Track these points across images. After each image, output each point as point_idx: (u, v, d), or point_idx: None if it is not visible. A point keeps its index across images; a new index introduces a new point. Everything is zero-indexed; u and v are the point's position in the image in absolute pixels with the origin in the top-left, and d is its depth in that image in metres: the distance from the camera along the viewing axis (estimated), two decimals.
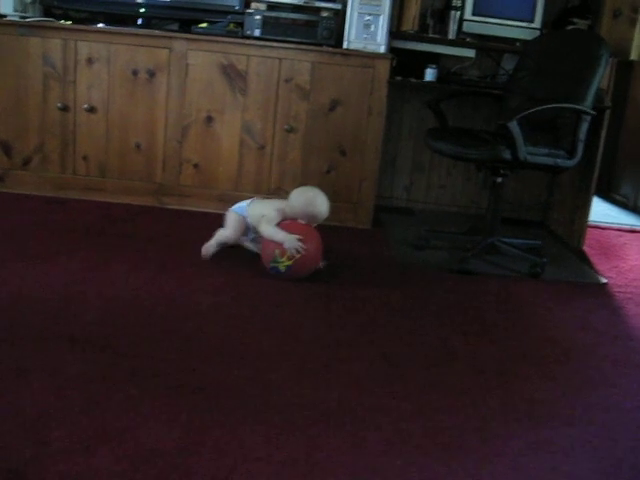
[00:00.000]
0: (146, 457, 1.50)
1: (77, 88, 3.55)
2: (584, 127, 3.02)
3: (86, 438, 1.54)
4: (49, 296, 2.34)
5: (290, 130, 3.60)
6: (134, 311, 2.29)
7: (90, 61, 3.52)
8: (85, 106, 3.56)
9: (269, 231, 2.72)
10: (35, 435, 1.54)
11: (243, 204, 2.93)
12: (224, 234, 2.90)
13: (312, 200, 2.80)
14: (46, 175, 3.64)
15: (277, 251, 2.67)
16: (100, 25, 3.56)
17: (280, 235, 2.69)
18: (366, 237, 3.53)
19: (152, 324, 2.20)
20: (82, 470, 1.43)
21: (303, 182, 3.57)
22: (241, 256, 2.86)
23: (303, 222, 2.78)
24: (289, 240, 2.67)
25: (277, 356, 2.07)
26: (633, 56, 3.36)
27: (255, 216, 2.85)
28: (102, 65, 3.52)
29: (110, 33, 3.49)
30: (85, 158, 3.63)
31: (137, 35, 3.50)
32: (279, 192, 3.57)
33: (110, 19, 3.66)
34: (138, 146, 3.62)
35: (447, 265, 3.17)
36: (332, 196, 3.62)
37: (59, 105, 3.56)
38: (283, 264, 2.67)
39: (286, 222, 2.77)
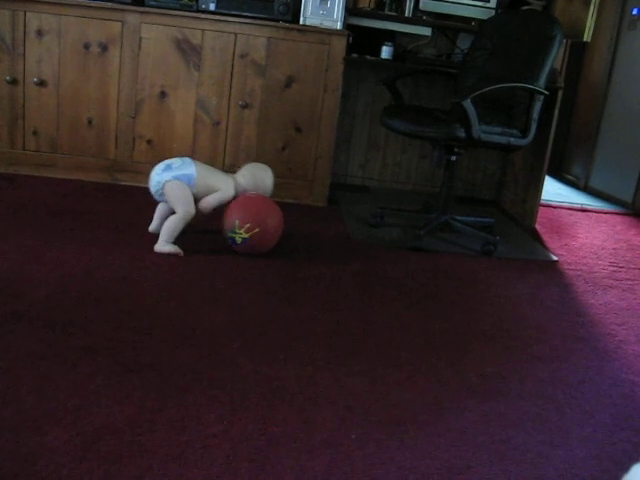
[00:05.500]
0: (99, 435, 1.48)
1: (27, 61, 3.46)
2: (537, 107, 3.06)
3: (37, 417, 1.52)
4: None
5: (245, 106, 3.56)
6: (86, 288, 2.26)
7: (40, 33, 3.43)
8: (35, 80, 3.47)
9: (214, 200, 2.80)
10: None
11: (185, 171, 2.73)
12: (187, 214, 2.71)
13: (260, 173, 2.93)
14: None
15: (237, 221, 2.65)
16: None
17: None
18: (321, 214, 3.53)
19: (104, 301, 2.18)
20: (33, 449, 1.41)
21: (258, 159, 3.55)
22: (195, 232, 2.83)
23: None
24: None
25: (232, 333, 2.07)
26: (586, 37, 3.40)
27: (207, 187, 2.79)
28: (52, 38, 3.44)
29: (60, 4, 3.40)
30: (35, 133, 3.55)
31: (89, 7, 3.41)
32: (234, 169, 3.54)
33: None
34: (90, 121, 3.55)
35: (401, 242, 3.20)
36: (287, 173, 3.65)
37: (8, 78, 3.46)
38: (240, 236, 2.66)
39: (247, 195, 2.77)
